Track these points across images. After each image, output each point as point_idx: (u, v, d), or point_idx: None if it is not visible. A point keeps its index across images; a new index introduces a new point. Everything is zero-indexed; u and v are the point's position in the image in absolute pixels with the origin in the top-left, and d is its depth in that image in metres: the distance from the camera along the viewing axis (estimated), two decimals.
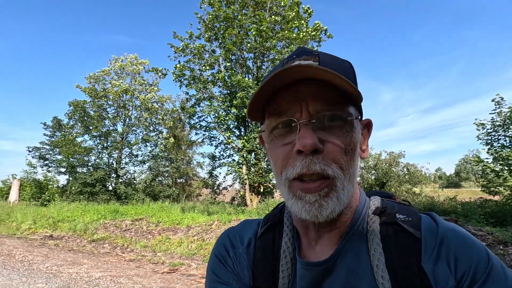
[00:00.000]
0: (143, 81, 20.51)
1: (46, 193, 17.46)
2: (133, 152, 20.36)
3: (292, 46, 12.22)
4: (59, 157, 19.35)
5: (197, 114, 14.00)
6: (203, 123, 14.40)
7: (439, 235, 0.45)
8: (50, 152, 19.93)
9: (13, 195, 17.07)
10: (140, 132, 20.78)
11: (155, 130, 21.08)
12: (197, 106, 13.71)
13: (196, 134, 14.82)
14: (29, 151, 19.68)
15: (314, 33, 13.22)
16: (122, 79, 20.20)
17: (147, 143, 20.51)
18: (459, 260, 0.42)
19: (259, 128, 0.50)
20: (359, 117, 0.50)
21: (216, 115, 12.74)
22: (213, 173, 15.31)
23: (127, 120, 20.42)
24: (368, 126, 0.54)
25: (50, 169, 19.75)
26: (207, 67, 13.08)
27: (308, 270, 0.47)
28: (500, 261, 0.43)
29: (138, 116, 20.39)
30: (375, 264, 0.44)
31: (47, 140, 19.94)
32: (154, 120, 20.54)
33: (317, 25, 13.21)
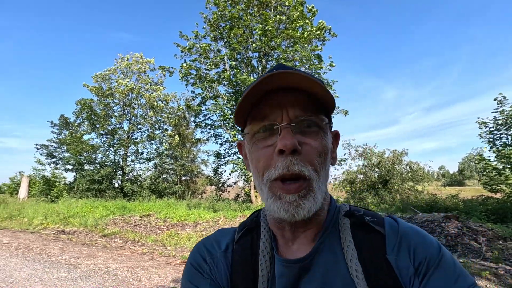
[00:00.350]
0: (148, 80, 20.78)
1: (55, 190, 17.84)
2: (138, 149, 20.69)
3: (296, 45, 12.38)
4: (67, 154, 19.69)
5: (203, 112, 14.23)
6: (208, 121, 14.63)
7: (399, 232, 0.51)
8: (58, 149, 20.27)
9: (23, 191, 17.48)
10: (146, 130, 21.09)
11: (160, 128, 21.37)
12: (202, 104, 13.94)
13: (202, 132, 15.05)
14: (37, 149, 20.06)
15: (318, 32, 13.35)
16: (128, 78, 20.48)
17: (152, 141, 20.83)
18: (416, 251, 0.48)
19: (240, 134, 0.62)
20: (330, 125, 0.55)
21: (222, 113, 12.95)
22: (218, 170, 15.56)
23: (133, 118, 20.73)
24: (336, 136, 0.60)
25: (58, 166, 20.11)
26: (213, 66, 13.29)
27: (287, 267, 0.50)
28: (451, 254, 0.50)
29: (144, 114, 20.67)
30: (348, 259, 0.48)
31: (54, 137, 20.30)
32: (159, 118, 20.81)
33: (321, 24, 13.34)
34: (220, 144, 14.83)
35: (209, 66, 13.33)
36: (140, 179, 20.37)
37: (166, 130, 21.24)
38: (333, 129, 0.59)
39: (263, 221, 0.57)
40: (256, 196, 12.81)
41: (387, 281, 0.45)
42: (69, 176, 25.14)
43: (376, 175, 13.65)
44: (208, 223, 8.95)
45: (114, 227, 9.19)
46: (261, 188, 0.51)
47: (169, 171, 21.38)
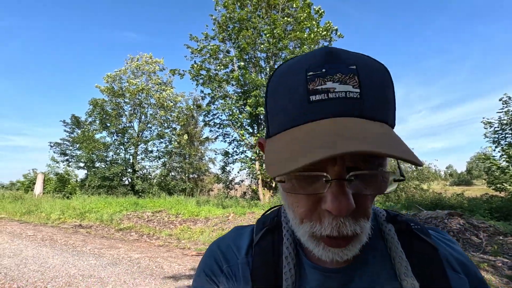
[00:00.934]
0: (158, 80, 21.26)
1: (69, 187, 18.46)
2: (148, 148, 21.24)
3: (304, 46, 12.65)
4: (79, 152, 20.32)
5: (212, 111, 14.62)
6: (217, 120, 15.02)
7: (447, 244, 0.49)
8: (70, 147, 20.90)
9: (38, 188, 18.10)
10: (155, 128, 21.60)
11: (169, 127, 21.86)
12: (212, 104, 14.33)
13: (210, 131, 15.45)
14: (51, 147, 20.75)
15: (325, 33, 13.60)
16: (138, 78, 20.98)
17: (162, 140, 21.35)
18: (469, 269, 0.46)
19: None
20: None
21: (230, 113, 13.31)
22: (226, 168, 15.93)
23: (143, 117, 21.25)
24: None
25: (70, 164, 20.75)
26: (222, 67, 13.65)
27: (328, 277, 0.45)
28: None
29: (154, 113, 21.17)
30: (402, 272, 0.42)
31: (67, 136, 20.95)
32: (169, 117, 21.29)
33: (328, 25, 13.58)
34: (228, 143, 15.22)
35: (218, 67, 13.69)
36: (149, 176, 20.93)
37: (175, 129, 21.73)
38: None
39: (285, 222, 0.50)
40: (263, 194, 13.15)
41: None
42: (81, 174, 25.76)
43: None
44: (218, 218, 9.31)
45: (128, 222, 9.61)
46: (297, 229, 0.42)
47: (177, 169, 21.87)
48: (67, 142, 20.81)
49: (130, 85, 20.20)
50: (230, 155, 15.21)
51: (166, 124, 21.52)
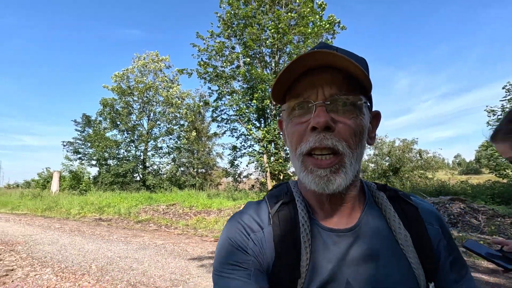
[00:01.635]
0: (165, 77, 21.70)
1: (83, 184, 19.16)
2: (157, 144, 21.81)
3: (308, 40, 12.91)
4: (91, 150, 20.98)
5: (219, 107, 15.01)
6: (225, 116, 15.41)
7: (423, 204, 0.61)
8: (82, 146, 21.58)
9: (54, 185, 18.83)
10: (164, 125, 22.13)
11: (177, 123, 22.35)
12: (219, 100, 14.72)
13: (218, 126, 15.85)
14: (64, 145, 21.46)
15: (328, 26, 13.80)
16: (145, 76, 21.44)
17: (170, 136, 21.91)
18: (441, 222, 0.60)
19: (279, 111, 0.69)
20: (369, 105, 0.56)
21: (238, 108, 13.69)
22: (234, 162, 16.37)
23: (152, 115, 21.79)
24: (377, 116, 0.61)
25: (83, 161, 21.44)
26: (228, 63, 14.00)
27: (340, 236, 0.53)
28: None
29: (162, 110, 21.67)
30: (396, 227, 0.54)
31: (78, 135, 21.61)
32: (177, 114, 21.77)
33: (331, 18, 13.78)
34: (236, 137, 15.63)
35: (224, 63, 14.05)
36: (160, 172, 21.57)
37: (182, 125, 22.21)
38: (373, 110, 0.60)
39: (297, 195, 0.58)
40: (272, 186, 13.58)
41: (428, 248, 0.53)
42: (93, 171, 26.51)
43: (387, 163, 14.19)
44: (230, 209, 9.79)
45: (145, 215, 10.15)
46: (294, 162, 0.54)
47: (186, 164, 22.44)
48: (79, 141, 21.49)
49: (138, 83, 20.70)
50: (238, 149, 15.64)
51: (174, 121, 22.03)
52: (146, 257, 4.42)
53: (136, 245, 5.37)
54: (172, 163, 21.78)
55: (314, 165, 0.50)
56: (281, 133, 0.67)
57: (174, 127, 22.00)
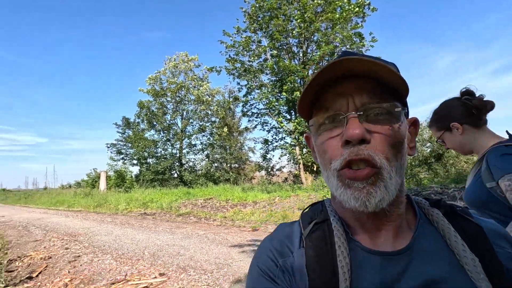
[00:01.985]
0: (194, 76, 22.40)
1: (127, 182, 20.57)
2: (191, 142, 22.71)
3: (336, 26, 12.54)
4: (131, 150, 22.41)
5: (249, 102, 15.20)
6: (255, 110, 15.58)
7: (488, 223, 0.53)
8: (124, 147, 23.10)
9: (102, 184, 20.44)
10: (196, 123, 22.94)
11: (209, 120, 23.04)
12: (248, 95, 14.90)
13: (249, 121, 16.07)
14: (108, 147, 23.14)
15: (357, 9, 13.25)
16: (176, 76, 22.30)
17: (203, 133, 22.67)
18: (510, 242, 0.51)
19: (308, 126, 0.53)
20: (406, 112, 0.51)
21: (267, 101, 13.76)
22: (266, 156, 16.53)
23: (185, 113, 22.67)
24: (415, 124, 0.55)
25: (125, 161, 22.97)
26: (255, 57, 14.09)
27: (389, 260, 0.46)
28: None
29: (194, 109, 22.44)
30: (460, 249, 0.46)
31: (120, 137, 23.17)
32: (208, 111, 22.42)
33: (360, 0, 13.21)
34: (267, 131, 15.74)
35: (251, 58, 14.16)
36: (195, 168, 22.46)
37: (214, 122, 22.84)
38: (409, 116, 0.55)
39: (332, 215, 0.53)
40: (306, 178, 13.54)
41: (500, 275, 0.45)
42: (135, 170, 28.30)
43: (429, 150, 13.41)
44: (265, 201, 9.95)
45: (185, 209, 10.67)
46: (329, 179, 0.49)
47: (220, 160, 23.08)
48: (120, 142, 23.05)
49: (170, 84, 21.61)
50: (269, 143, 15.75)
51: (206, 118, 22.73)
52: (191, 245, 4.73)
53: (181, 235, 5.73)
54: (206, 160, 22.55)
55: (351, 177, 0.45)
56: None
57: (206, 124, 22.71)
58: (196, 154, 22.78)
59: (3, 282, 3.29)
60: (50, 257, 4.35)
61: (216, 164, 23.01)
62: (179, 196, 13.06)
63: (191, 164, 22.72)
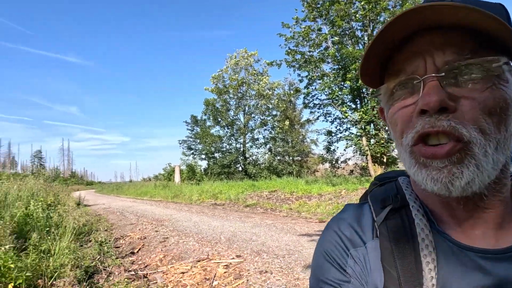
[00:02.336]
0: (254, 71, 22.99)
1: (197, 175, 22.40)
2: (254, 136, 23.48)
3: (406, 3, 11.39)
4: (200, 146, 24.27)
5: (311, 93, 14.95)
6: (317, 101, 15.24)
7: None
8: (193, 143, 25.14)
9: (177, 177, 22.65)
10: (258, 118, 23.60)
11: (270, 114, 23.46)
12: (309, 86, 14.65)
13: (311, 112, 15.82)
14: (180, 144, 25.50)
15: None
16: (237, 73, 23.21)
17: (265, 127, 23.23)
18: None
19: (374, 95, 0.45)
20: None
21: (330, 91, 13.33)
22: (330, 148, 16.07)
23: (247, 108, 23.52)
24: None
25: (195, 156, 24.99)
26: (316, 47, 13.74)
27: (490, 259, 0.36)
28: None
29: (255, 104, 23.10)
30: None
31: (189, 134, 25.28)
32: (269, 105, 22.82)
33: None
34: (330, 122, 15.28)
35: (312, 48, 13.85)
36: (259, 162, 23.21)
37: (275, 115, 23.15)
38: None
39: (412, 198, 0.43)
40: (374, 170, 12.77)
41: None
42: (203, 164, 30.64)
43: None
44: (331, 194, 9.76)
45: (252, 200, 11.15)
46: (402, 156, 0.40)
47: (282, 153, 23.35)
48: (190, 139, 25.14)
49: (232, 81, 22.63)
50: (333, 134, 15.27)
51: (267, 112, 23.20)
52: (262, 232, 5.00)
53: (250, 223, 6.08)
54: (269, 153, 23.07)
55: (426, 155, 0.36)
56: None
57: (268, 118, 23.17)
58: (259, 148, 23.49)
59: (114, 255, 4.01)
60: (145, 238, 5.11)
61: (278, 157, 23.36)
62: (245, 188, 13.70)
63: (254, 157, 23.54)
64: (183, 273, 3.11)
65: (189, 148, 25.03)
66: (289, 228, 5.43)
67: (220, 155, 23.30)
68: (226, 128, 23.76)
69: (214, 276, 2.93)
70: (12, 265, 2.66)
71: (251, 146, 23.46)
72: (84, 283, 2.96)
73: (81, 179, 67.06)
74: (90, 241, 4.67)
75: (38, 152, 59.72)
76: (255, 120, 23.67)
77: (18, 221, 4.04)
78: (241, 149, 23.21)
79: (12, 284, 2.55)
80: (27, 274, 2.68)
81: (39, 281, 2.86)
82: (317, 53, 13.91)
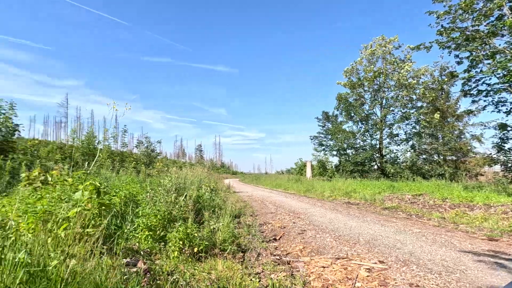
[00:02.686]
0: (393, 59, 20.44)
1: (329, 171, 22.25)
2: (393, 132, 20.99)
3: None
4: (331, 142, 23.89)
5: (473, 78, 11.95)
6: (482, 87, 12.03)
7: None
8: (325, 139, 25.04)
9: (308, 172, 23.27)
10: (398, 111, 20.93)
11: (414, 106, 20.34)
12: (472, 68, 11.73)
13: (473, 102, 12.63)
14: (311, 139, 25.98)
15: None
16: (373, 64, 21.31)
17: (407, 121, 20.32)
18: None
19: None
20: None
21: (505, 73, 10.23)
22: (504, 146, 12.39)
23: (384, 101, 21.28)
24: None
25: (326, 152, 24.83)
26: (483, 18, 10.81)
27: None
28: None
29: (395, 95, 20.59)
30: None
31: (320, 129, 25.32)
32: (412, 96, 19.84)
33: None
34: (504, 112, 11.73)
35: (477, 21, 10.99)
36: (398, 160, 20.61)
37: (421, 107, 19.87)
38: None
39: None
40: None
41: None
42: (335, 160, 30.14)
43: None
44: (506, 206, 7.57)
45: (391, 203, 10.11)
46: None
47: (429, 151, 19.83)
48: (321, 135, 25.17)
49: (367, 73, 20.98)
50: (510, 128, 11.67)
51: (410, 104, 20.24)
52: (408, 240, 4.48)
53: (392, 228, 5.55)
54: (411, 151, 20.11)
55: None
56: None
57: (411, 111, 20.19)
58: (398, 144, 20.87)
59: (260, 238, 4.61)
60: (285, 227, 5.59)
61: (424, 156, 19.99)
62: (382, 189, 12.57)
63: (393, 155, 21.09)
64: (323, 267, 3.23)
65: (320, 144, 25.13)
66: (443, 241, 4.61)
67: (353, 152, 22.20)
68: (360, 123, 22.40)
69: (357, 277, 2.89)
70: (196, 234, 3.53)
71: (389, 143, 21.13)
72: (240, 258, 3.57)
73: (228, 169, 79.96)
74: (239, 222, 5.54)
75: (199, 146, 75.87)
76: (394, 114, 21.15)
77: (194, 200, 5.29)
78: (377, 146, 21.28)
79: (197, 248, 3.40)
80: (206, 243, 3.50)
81: (215, 250, 3.67)
82: (485, 26, 10.91)
